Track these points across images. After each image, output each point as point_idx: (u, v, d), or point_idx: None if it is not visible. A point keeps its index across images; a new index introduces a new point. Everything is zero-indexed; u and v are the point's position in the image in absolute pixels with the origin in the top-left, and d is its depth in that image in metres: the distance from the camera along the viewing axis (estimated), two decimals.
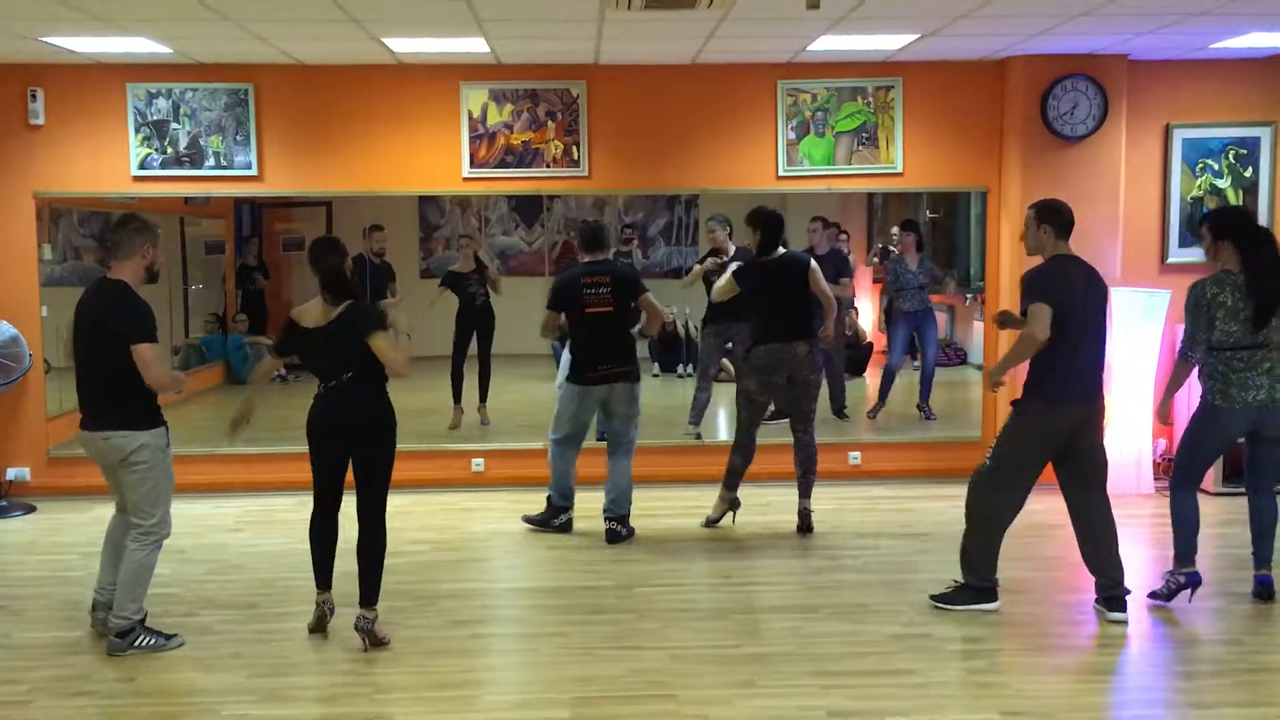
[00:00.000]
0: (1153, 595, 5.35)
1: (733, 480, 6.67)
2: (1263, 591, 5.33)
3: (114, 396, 4.74)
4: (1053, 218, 5.10)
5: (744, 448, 6.61)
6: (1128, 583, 5.15)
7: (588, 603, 5.42)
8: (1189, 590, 5.29)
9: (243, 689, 4.46)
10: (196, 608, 5.29)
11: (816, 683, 4.43)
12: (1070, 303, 4.98)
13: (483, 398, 9.12)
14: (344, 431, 4.81)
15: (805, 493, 6.61)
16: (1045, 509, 6.00)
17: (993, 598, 5.23)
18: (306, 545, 6.24)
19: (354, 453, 4.85)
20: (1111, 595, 5.12)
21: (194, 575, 5.32)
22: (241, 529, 6.43)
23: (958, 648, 4.81)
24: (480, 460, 7.77)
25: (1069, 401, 5.03)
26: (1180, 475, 5.38)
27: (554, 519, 6.65)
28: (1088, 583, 5.58)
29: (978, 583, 5.24)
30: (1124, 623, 5.05)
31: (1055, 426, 5.04)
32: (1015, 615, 5.19)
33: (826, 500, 7.16)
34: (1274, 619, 5.10)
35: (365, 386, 4.79)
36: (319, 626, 5.01)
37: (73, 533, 6.78)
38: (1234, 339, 5.13)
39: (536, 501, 7.30)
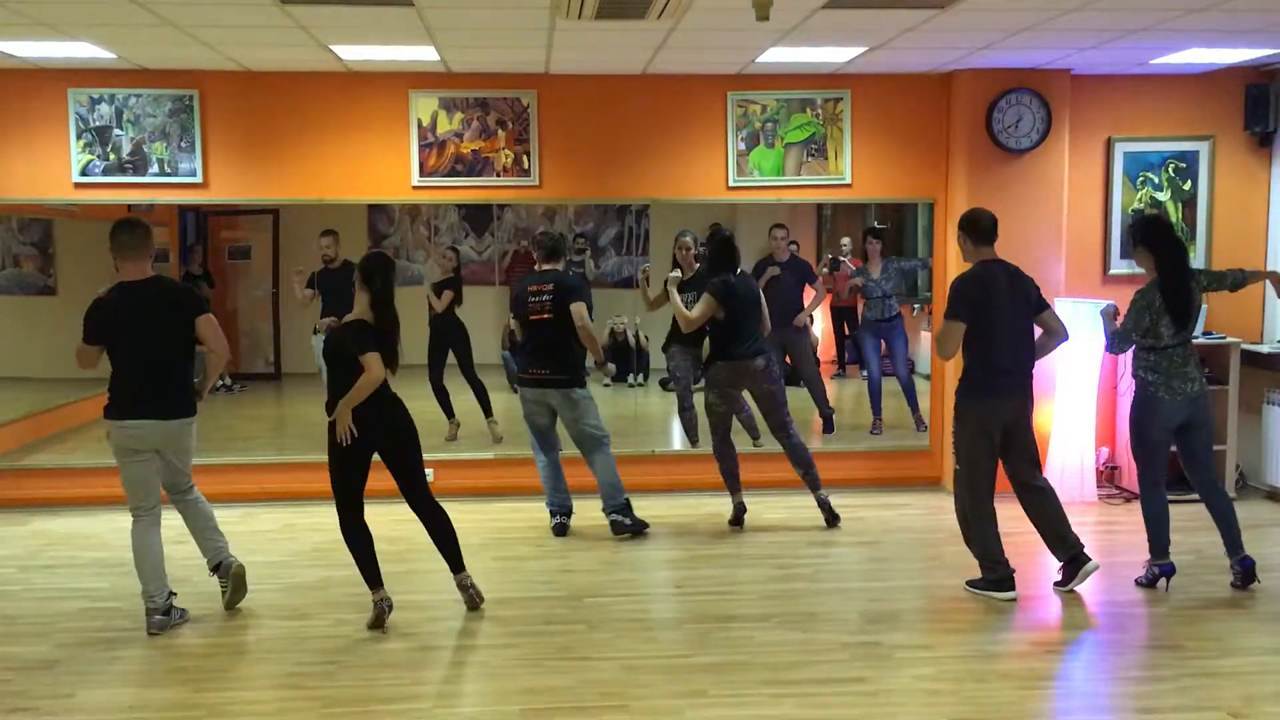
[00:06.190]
0: (1138, 582, 5.70)
1: (732, 483, 6.95)
2: (1247, 575, 5.57)
3: (185, 385, 5.21)
4: (968, 226, 5.55)
5: (722, 454, 6.93)
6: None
7: (538, 614, 5.39)
8: (1165, 579, 5.61)
9: (187, 704, 4.38)
10: (140, 621, 5.19)
11: (768, 692, 4.44)
12: (989, 308, 5.38)
13: (486, 411, 8.89)
14: (404, 428, 5.26)
15: (814, 486, 6.89)
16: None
17: (1007, 587, 5.49)
18: (252, 558, 6.18)
19: (397, 450, 5.27)
20: (1075, 555, 5.52)
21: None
22: (185, 541, 6.29)
23: (907, 655, 4.84)
24: (430, 470, 7.68)
25: (996, 396, 5.43)
26: (1144, 476, 5.67)
27: (551, 523, 6.84)
28: (1035, 589, 5.68)
29: (991, 574, 5.53)
30: (1091, 572, 5.52)
31: (989, 420, 5.43)
32: (962, 623, 5.25)
33: (777, 510, 7.20)
34: (1213, 624, 5.19)
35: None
36: (378, 623, 5.14)
37: (10, 546, 6.64)
38: (1176, 338, 5.48)
39: (487, 511, 7.27)
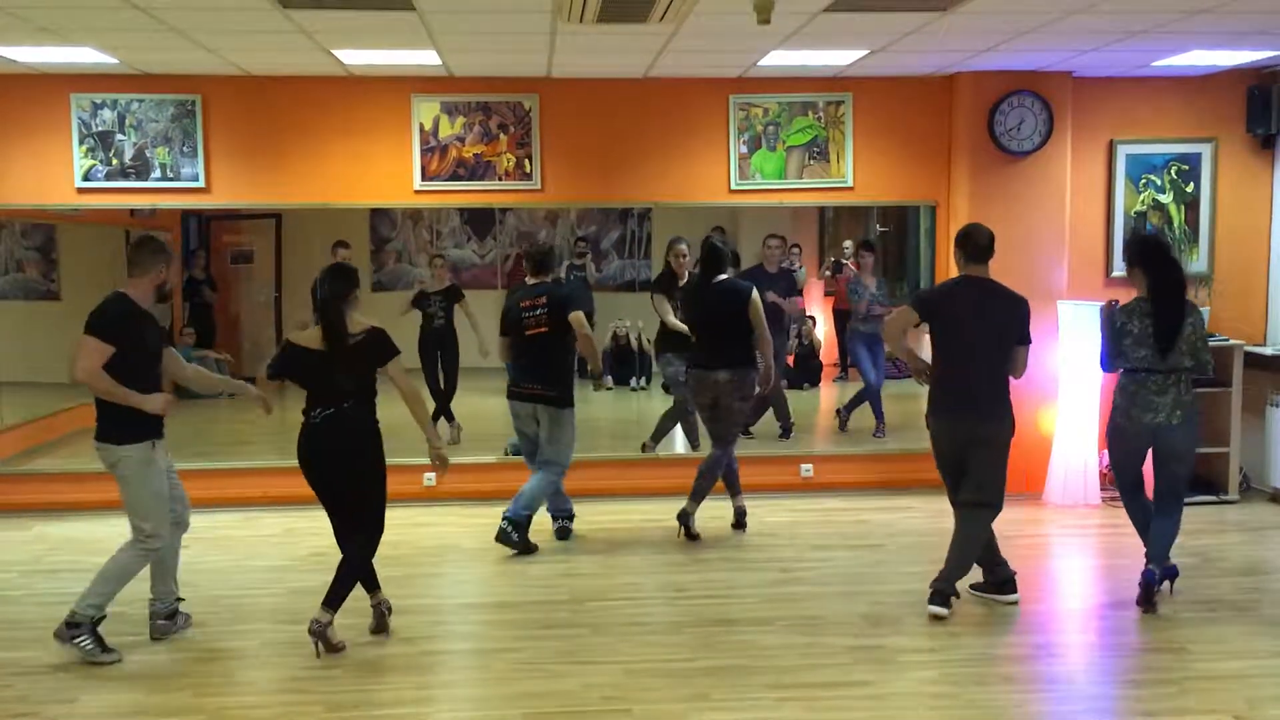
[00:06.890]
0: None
1: (733, 487, 6.92)
2: (1166, 578, 5.43)
3: (101, 408, 4.88)
4: (963, 240, 5.47)
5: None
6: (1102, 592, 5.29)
7: (540, 618, 5.39)
8: (1169, 581, 5.52)
9: (189, 709, 4.38)
10: (143, 626, 5.19)
11: (771, 695, 4.44)
12: (951, 324, 5.34)
13: (441, 413, 8.99)
14: (344, 454, 4.93)
15: (697, 497, 6.69)
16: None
17: (1010, 590, 5.50)
18: (254, 562, 6.19)
19: (349, 475, 4.96)
20: (942, 590, 5.29)
21: (141, 593, 5.22)
22: (188, 545, 6.31)
23: (910, 659, 4.84)
24: (431, 475, 7.70)
25: (949, 416, 5.39)
26: (1121, 488, 5.63)
27: (553, 526, 6.81)
28: (1038, 593, 5.68)
29: (993, 577, 5.54)
30: (939, 616, 5.24)
31: (941, 435, 5.44)
32: (966, 626, 5.24)
33: (780, 513, 7.19)
34: (1216, 627, 5.18)
35: (365, 409, 4.98)
36: (380, 627, 5.14)
37: (13, 551, 6.64)
38: (1146, 363, 5.33)
39: (488, 515, 7.26)
